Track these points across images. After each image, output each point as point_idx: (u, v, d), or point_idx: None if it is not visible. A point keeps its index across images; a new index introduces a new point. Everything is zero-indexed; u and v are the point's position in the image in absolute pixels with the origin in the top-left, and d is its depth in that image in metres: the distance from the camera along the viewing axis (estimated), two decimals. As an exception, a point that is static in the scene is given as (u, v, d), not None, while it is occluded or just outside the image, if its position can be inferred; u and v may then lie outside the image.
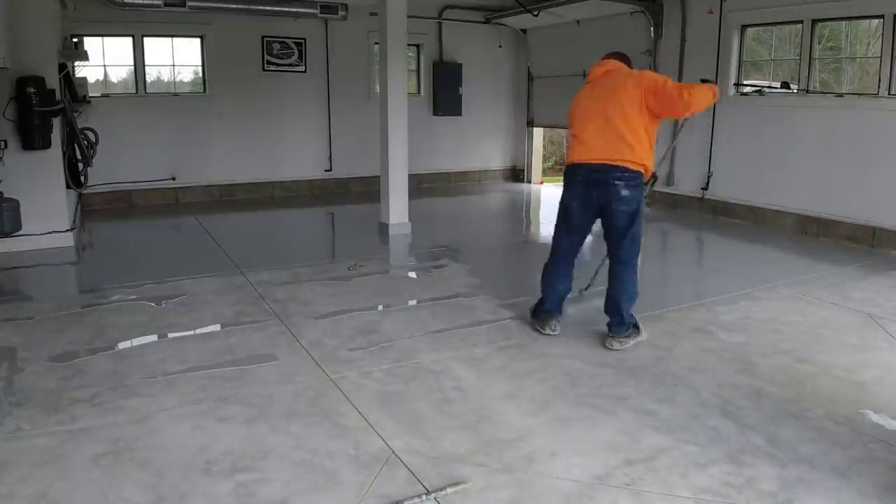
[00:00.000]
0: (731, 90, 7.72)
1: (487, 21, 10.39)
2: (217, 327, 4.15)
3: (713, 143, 7.89)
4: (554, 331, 3.99)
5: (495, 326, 4.15)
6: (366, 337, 3.95)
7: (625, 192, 3.68)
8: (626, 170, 3.66)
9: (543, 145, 11.91)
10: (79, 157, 6.56)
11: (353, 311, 4.44)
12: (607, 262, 3.97)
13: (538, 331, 4.03)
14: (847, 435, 2.82)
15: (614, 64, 3.91)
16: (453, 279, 5.35)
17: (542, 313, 4.06)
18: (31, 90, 5.56)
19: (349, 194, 9.66)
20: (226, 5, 7.69)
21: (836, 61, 9.34)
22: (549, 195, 10.22)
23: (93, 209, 8.07)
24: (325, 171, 9.77)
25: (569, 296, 4.22)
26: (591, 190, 3.75)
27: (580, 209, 3.84)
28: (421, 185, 9.81)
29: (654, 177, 4.11)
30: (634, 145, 3.65)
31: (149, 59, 8.56)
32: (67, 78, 6.32)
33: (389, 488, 2.41)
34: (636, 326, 3.89)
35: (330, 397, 3.16)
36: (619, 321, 3.84)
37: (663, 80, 3.68)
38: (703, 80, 3.89)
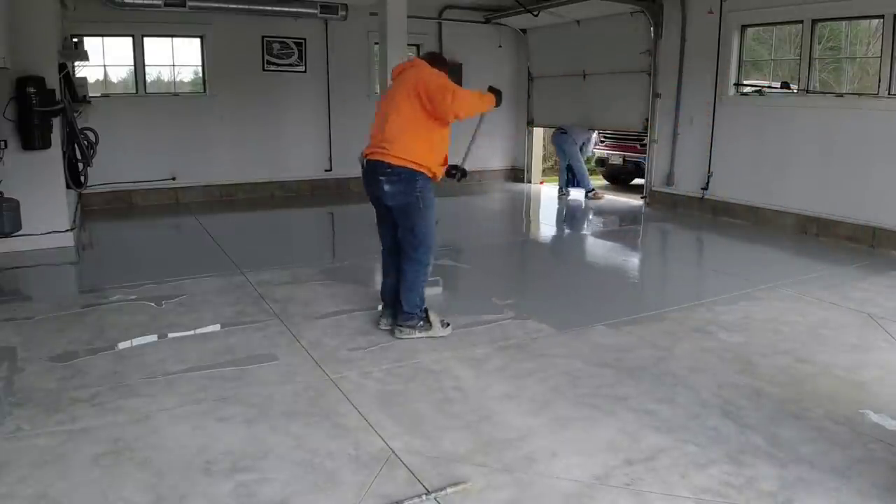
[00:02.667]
0: (732, 90, 7.72)
1: (487, 21, 10.40)
2: (217, 327, 4.15)
3: (713, 143, 7.89)
4: (386, 326, 4.01)
5: (495, 326, 4.15)
6: (366, 337, 3.95)
7: (387, 188, 3.70)
8: (390, 165, 3.66)
9: (543, 145, 11.92)
10: (79, 157, 6.56)
11: (353, 311, 4.44)
12: None
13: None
14: (847, 435, 2.82)
15: (417, 62, 3.92)
16: (453, 279, 5.35)
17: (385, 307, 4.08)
18: (31, 90, 5.56)
19: (349, 194, 9.65)
20: (226, 5, 7.70)
21: (836, 61, 9.35)
22: (549, 196, 10.22)
23: (93, 209, 8.07)
24: (325, 171, 9.77)
25: None
26: (368, 185, 3.85)
27: (372, 202, 3.92)
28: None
29: (458, 171, 4.09)
30: (405, 142, 3.64)
31: (149, 59, 8.56)
32: (67, 78, 6.32)
33: (389, 488, 2.41)
34: (426, 318, 3.90)
35: (330, 397, 3.16)
36: (401, 309, 3.89)
37: (438, 83, 3.62)
38: (490, 88, 3.97)
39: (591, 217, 8.85)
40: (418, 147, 3.68)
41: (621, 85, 9.25)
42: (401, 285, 3.90)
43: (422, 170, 3.70)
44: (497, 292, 4.86)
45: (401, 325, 3.90)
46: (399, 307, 3.91)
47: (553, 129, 10.10)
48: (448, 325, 3.99)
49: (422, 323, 3.90)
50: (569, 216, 9.04)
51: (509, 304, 4.56)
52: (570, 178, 9.75)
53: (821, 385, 3.34)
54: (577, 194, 9.73)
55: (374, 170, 3.73)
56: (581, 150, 9.61)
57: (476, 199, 9.88)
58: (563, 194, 9.84)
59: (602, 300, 4.88)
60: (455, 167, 4.05)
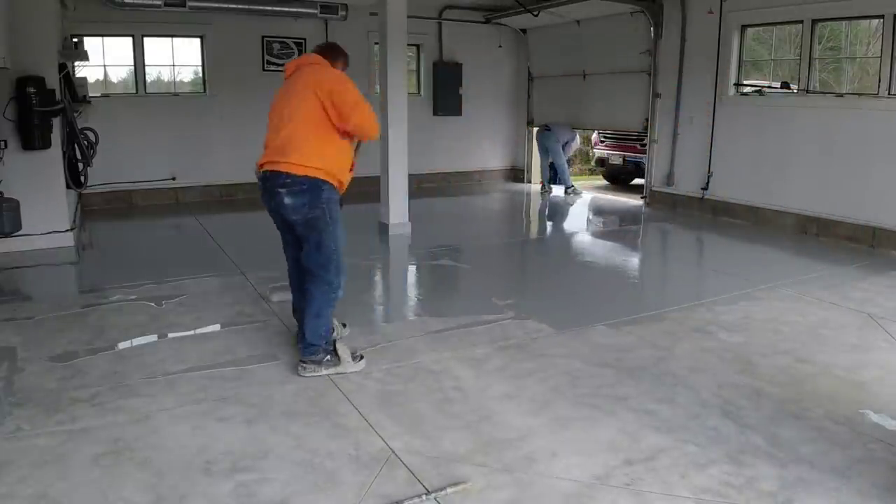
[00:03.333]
0: (732, 90, 7.72)
1: (487, 21, 10.39)
2: (217, 327, 4.16)
3: (713, 143, 7.89)
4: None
5: (495, 326, 4.15)
6: (366, 337, 3.95)
7: (288, 201, 3.25)
8: (289, 175, 3.21)
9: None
10: (79, 157, 6.56)
11: (352, 310, 4.44)
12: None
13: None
14: (847, 435, 2.82)
15: (314, 58, 3.44)
16: (453, 279, 5.35)
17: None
18: (31, 90, 5.56)
19: (349, 194, 9.63)
20: (226, 5, 7.70)
21: (836, 61, 9.34)
22: (550, 195, 10.23)
23: (93, 209, 8.07)
24: (325, 171, 9.75)
25: None
26: (266, 199, 3.38)
27: (272, 218, 3.48)
28: (421, 185, 9.81)
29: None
30: (307, 149, 3.22)
31: (149, 59, 8.56)
32: (67, 78, 6.32)
33: (389, 488, 2.41)
34: (333, 352, 3.41)
35: (330, 397, 3.16)
36: (305, 342, 3.40)
37: (349, 98, 3.23)
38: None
39: (591, 217, 8.86)
40: (324, 153, 3.26)
41: (621, 85, 9.25)
42: (306, 311, 3.40)
43: (328, 178, 3.28)
44: (497, 292, 4.86)
45: (304, 362, 3.37)
46: (301, 337, 3.43)
47: (538, 128, 10.34)
48: (362, 358, 3.49)
49: (328, 357, 3.38)
50: (569, 216, 9.05)
51: (509, 304, 4.56)
52: (552, 175, 10.12)
53: (821, 385, 3.34)
54: (558, 190, 10.06)
55: (272, 181, 3.27)
56: (564, 148, 9.90)
57: (476, 199, 9.88)
58: (545, 191, 10.17)
59: (602, 300, 4.88)
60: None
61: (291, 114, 3.25)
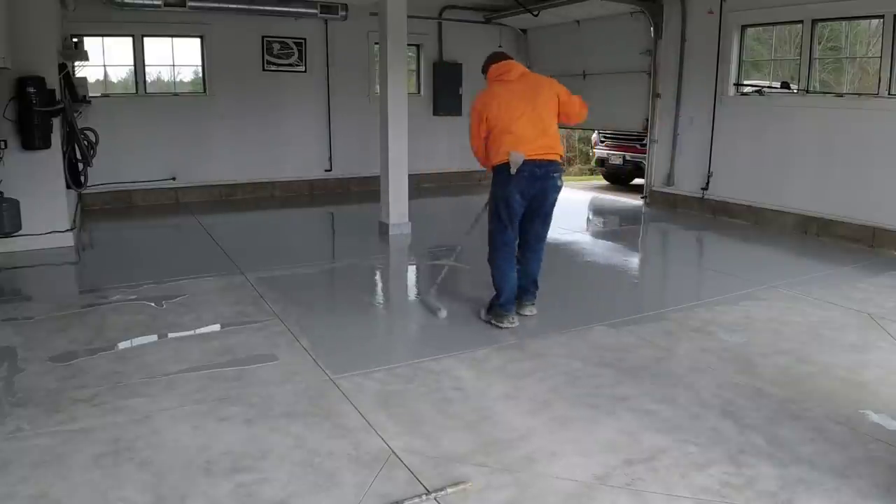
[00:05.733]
0: (732, 90, 7.72)
1: (487, 21, 10.39)
2: (217, 327, 4.15)
3: (713, 143, 7.89)
4: (513, 323, 4.12)
5: (495, 326, 4.14)
6: (366, 336, 3.95)
7: (560, 183, 4.08)
8: (557, 163, 4.07)
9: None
10: (79, 157, 6.56)
11: (352, 310, 4.44)
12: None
13: (497, 326, 4.11)
14: (847, 435, 2.82)
15: (526, 70, 4.22)
16: (453, 279, 5.34)
17: (501, 307, 4.15)
18: (31, 90, 5.56)
19: (349, 194, 9.66)
20: (226, 5, 7.70)
21: (836, 61, 9.34)
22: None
23: (93, 209, 8.07)
24: (325, 171, 9.77)
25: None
26: (533, 182, 3.97)
27: (520, 201, 4.05)
28: (421, 185, 9.81)
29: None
30: (558, 141, 4.11)
31: (149, 59, 8.55)
32: (67, 78, 6.32)
33: (389, 488, 2.41)
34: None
35: (330, 397, 3.16)
36: (536, 289, 4.31)
37: (569, 92, 4.18)
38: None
39: (591, 217, 8.85)
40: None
41: (621, 85, 9.25)
42: (536, 264, 4.25)
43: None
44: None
45: (533, 304, 4.32)
46: (533, 286, 4.28)
47: None
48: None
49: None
50: (569, 216, 9.03)
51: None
52: None
53: (821, 385, 3.34)
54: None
55: (547, 168, 3.95)
56: None
57: (476, 199, 9.85)
58: None
59: (602, 300, 4.88)
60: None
61: (544, 114, 3.99)
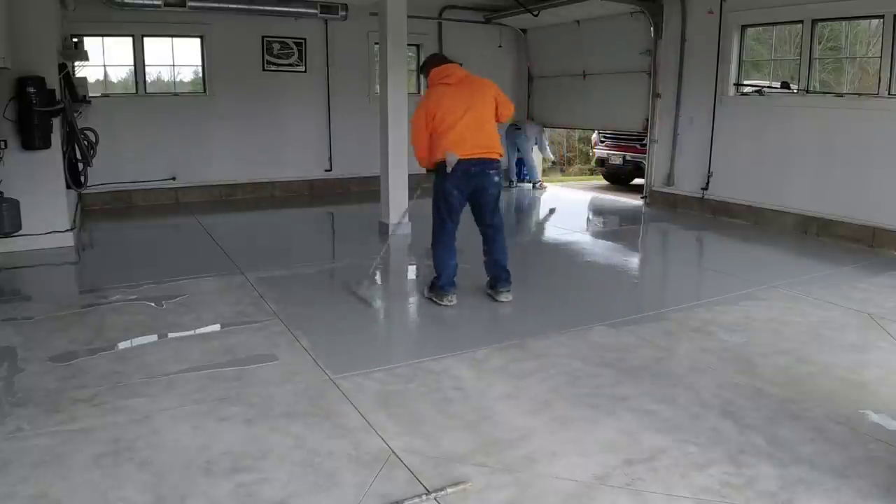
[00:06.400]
0: (732, 90, 7.72)
1: (487, 21, 10.39)
2: (217, 327, 4.15)
3: (713, 143, 7.89)
4: (451, 301, 4.47)
5: (495, 326, 4.14)
6: (366, 337, 3.95)
7: (496, 179, 4.54)
8: (496, 161, 4.50)
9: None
10: (79, 157, 6.56)
11: (352, 310, 4.44)
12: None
13: (437, 303, 4.50)
14: (847, 435, 2.82)
15: (469, 74, 4.57)
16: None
17: (441, 288, 4.53)
18: (31, 90, 5.56)
19: (349, 194, 9.65)
20: (226, 5, 7.69)
21: (836, 61, 9.34)
22: (548, 195, 10.23)
23: (93, 209, 8.07)
24: (325, 171, 9.77)
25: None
26: (470, 179, 4.37)
27: (459, 197, 4.50)
28: (421, 185, 9.79)
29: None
30: (497, 141, 4.58)
31: (149, 59, 8.55)
32: (67, 78, 6.32)
33: (389, 488, 2.41)
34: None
35: (330, 397, 3.16)
36: (508, 276, 4.59)
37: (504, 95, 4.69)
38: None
39: (591, 217, 8.85)
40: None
41: (621, 85, 9.25)
42: (500, 251, 4.60)
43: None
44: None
45: (508, 290, 4.60)
46: (503, 273, 4.59)
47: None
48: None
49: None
50: (569, 216, 9.04)
51: (509, 304, 4.56)
52: (518, 170, 10.79)
53: (821, 385, 3.34)
54: (522, 185, 10.74)
55: (483, 166, 4.35)
56: (539, 145, 10.64)
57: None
58: (511, 186, 10.65)
59: (602, 300, 4.88)
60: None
61: (484, 115, 4.37)
